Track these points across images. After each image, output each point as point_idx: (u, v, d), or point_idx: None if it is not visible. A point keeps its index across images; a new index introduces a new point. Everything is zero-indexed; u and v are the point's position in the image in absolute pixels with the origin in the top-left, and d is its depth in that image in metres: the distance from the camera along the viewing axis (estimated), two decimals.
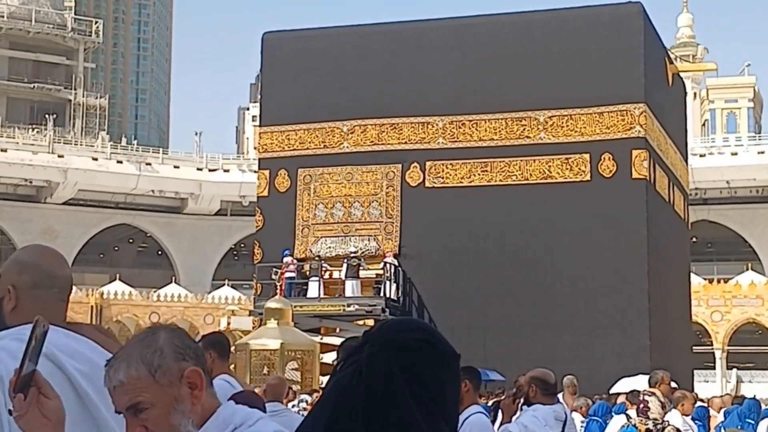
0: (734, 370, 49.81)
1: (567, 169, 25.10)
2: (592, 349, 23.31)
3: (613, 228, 24.31)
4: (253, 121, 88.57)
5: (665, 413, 7.27)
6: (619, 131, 24.89)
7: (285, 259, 25.38)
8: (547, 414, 6.29)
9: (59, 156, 64.98)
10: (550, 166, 25.24)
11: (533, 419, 6.32)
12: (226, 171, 68.03)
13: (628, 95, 24.89)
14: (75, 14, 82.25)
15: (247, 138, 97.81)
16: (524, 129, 25.63)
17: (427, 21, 27.96)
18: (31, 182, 64.69)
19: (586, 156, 24.95)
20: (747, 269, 52.69)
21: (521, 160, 25.49)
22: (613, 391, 20.12)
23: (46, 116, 72.48)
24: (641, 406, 7.10)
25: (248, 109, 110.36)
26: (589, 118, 25.12)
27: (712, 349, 47.16)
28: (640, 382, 22.31)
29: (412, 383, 1.34)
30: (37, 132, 71.38)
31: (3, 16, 76.73)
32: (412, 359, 1.32)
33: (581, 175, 24.94)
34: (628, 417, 8.01)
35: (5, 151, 63.75)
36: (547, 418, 6.25)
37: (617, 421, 9.14)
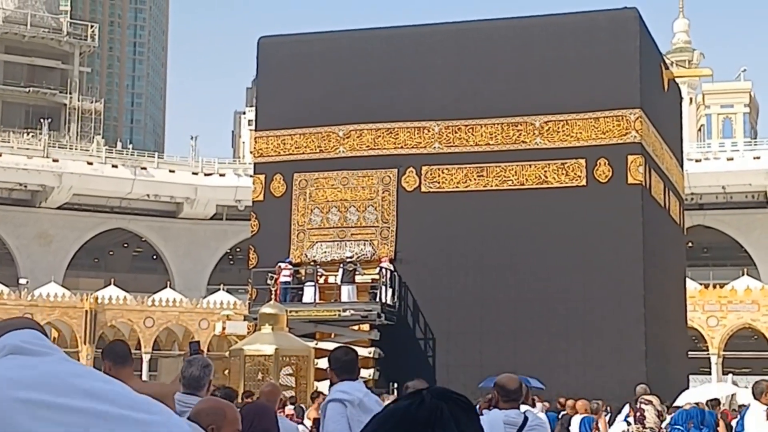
0: (730, 375, 49.79)
1: (563, 174, 25.08)
2: (587, 355, 23.28)
3: (609, 233, 24.29)
4: (249, 125, 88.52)
5: (661, 422, 7.28)
6: (614, 136, 24.87)
7: (279, 264, 25.30)
8: (495, 419, 6.39)
9: (54, 160, 64.86)
10: (545, 172, 25.21)
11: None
12: (222, 175, 67.95)
13: (623, 101, 24.88)
14: (70, 18, 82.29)
15: (243, 142, 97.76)
16: (520, 134, 25.60)
17: (424, 26, 27.95)
18: (26, 186, 64.55)
19: (582, 161, 24.93)
20: (743, 274, 52.68)
21: (517, 165, 25.46)
22: (679, 402, 20.12)
23: (41, 120, 72.44)
24: (638, 414, 7.10)
25: (244, 113, 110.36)
26: (585, 124, 25.10)
27: (708, 354, 47.14)
28: (708, 392, 22.36)
29: (456, 428, 1.65)
30: (32, 136, 71.32)
31: None
32: (458, 411, 1.65)
33: (577, 180, 24.92)
34: (628, 423, 8.02)
35: (0, 155, 63.65)
36: (494, 423, 6.32)
37: (617, 428, 9.16)
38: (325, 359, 21.29)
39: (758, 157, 60.48)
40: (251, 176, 31.61)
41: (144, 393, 2.38)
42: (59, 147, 69.63)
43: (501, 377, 6.56)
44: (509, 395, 6.42)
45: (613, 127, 24.93)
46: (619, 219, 24.35)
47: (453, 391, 1.74)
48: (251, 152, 53.50)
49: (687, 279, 34.62)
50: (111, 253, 71.04)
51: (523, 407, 6.69)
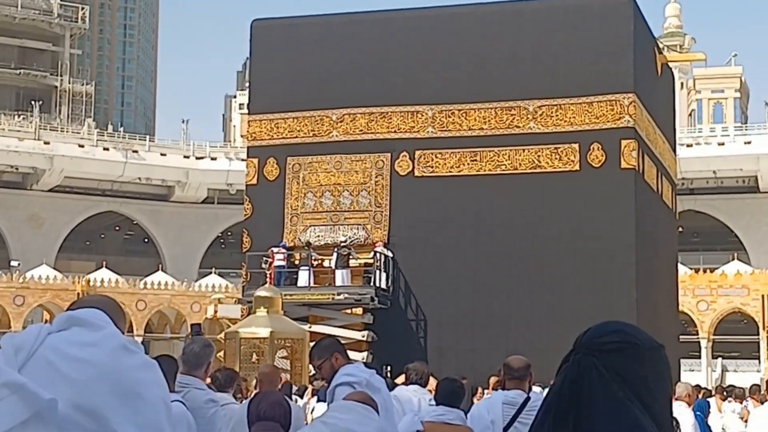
0: (719, 359, 50.09)
1: (556, 158, 25.13)
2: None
3: (602, 218, 24.37)
4: (240, 109, 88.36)
5: None
6: (608, 121, 24.92)
7: (272, 248, 25.32)
8: (495, 399, 6.53)
9: (45, 143, 64.72)
10: (539, 156, 25.26)
11: (478, 405, 6.81)
12: (213, 159, 67.92)
13: (617, 85, 24.90)
14: (61, 0, 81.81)
15: (234, 126, 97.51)
16: (513, 118, 25.63)
17: (418, 9, 27.92)
18: (17, 169, 64.42)
19: (575, 146, 24.97)
20: (733, 259, 52.95)
21: (510, 150, 25.50)
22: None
23: (32, 102, 72.21)
24: None
25: (235, 97, 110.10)
26: (578, 108, 25.14)
27: (698, 338, 47.40)
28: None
29: (617, 382, 1.46)
30: (23, 118, 71.10)
31: None
32: (612, 360, 1.44)
33: (570, 164, 24.97)
34: None
35: None
36: (492, 405, 6.46)
37: None
38: None
39: (749, 142, 60.68)
40: (243, 160, 31.65)
41: None
42: (50, 129, 69.45)
43: (509, 357, 6.67)
44: (512, 373, 6.52)
45: (607, 111, 24.97)
46: (612, 204, 24.43)
47: (608, 327, 1.56)
48: (243, 136, 53.36)
49: (678, 264, 34.76)
50: (102, 236, 70.98)
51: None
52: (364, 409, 4.31)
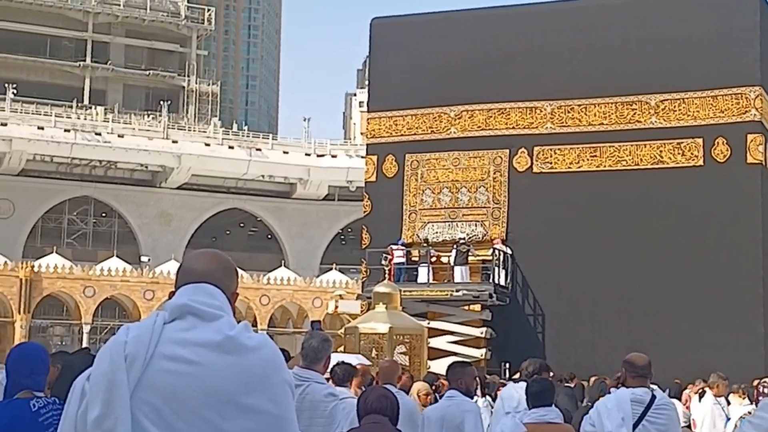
0: None
1: (679, 154, 24.63)
2: (703, 337, 22.86)
3: (727, 214, 23.76)
4: (360, 106, 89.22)
5: None
6: (733, 115, 24.27)
7: (391, 246, 25.57)
8: (621, 397, 6.42)
9: (173, 141, 66.80)
10: (661, 151, 24.80)
11: (605, 401, 6.58)
12: (334, 156, 68.84)
13: (743, 78, 24.22)
14: (188, 2, 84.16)
15: (354, 123, 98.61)
16: (635, 113, 25.24)
17: (535, 4, 27.72)
18: (146, 167, 66.65)
19: (699, 140, 24.42)
20: None
21: (631, 145, 25.11)
22: None
23: (161, 103, 74.48)
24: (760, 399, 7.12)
25: (355, 95, 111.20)
26: (702, 102, 24.57)
27: None
28: None
29: None
30: (152, 118, 73.44)
31: (120, 5, 79.02)
32: None
33: (694, 160, 24.44)
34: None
35: (122, 137, 65.84)
36: (620, 401, 6.37)
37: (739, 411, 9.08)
38: (438, 339, 21.34)
39: None
40: (363, 157, 32.05)
41: None
42: (178, 129, 71.58)
43: (629, 355, 6.58)
44: (636, 371, 6.44)
45: (732, 105, 24.33)
46: (737, 200, 23.80)
47: None
48: (363, 133, 53.99)
49: None
50: (228, 232, 72.73)
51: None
52: None
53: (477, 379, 8.94)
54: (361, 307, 26.62)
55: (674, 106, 24.84)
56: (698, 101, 24.61)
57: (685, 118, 24.69)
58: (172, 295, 2.70)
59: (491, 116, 26.58)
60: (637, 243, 24.24)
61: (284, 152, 68.91)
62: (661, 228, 24.15)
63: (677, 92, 24.81)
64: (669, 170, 24.55)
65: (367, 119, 29.16)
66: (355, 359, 11.30)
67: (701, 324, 23.08)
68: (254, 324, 52.41)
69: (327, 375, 7.55)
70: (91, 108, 73.43)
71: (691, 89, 24.66)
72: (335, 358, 6.49)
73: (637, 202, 24.52)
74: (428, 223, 26.46)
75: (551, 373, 8.94)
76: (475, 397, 12.78)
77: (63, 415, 2.57)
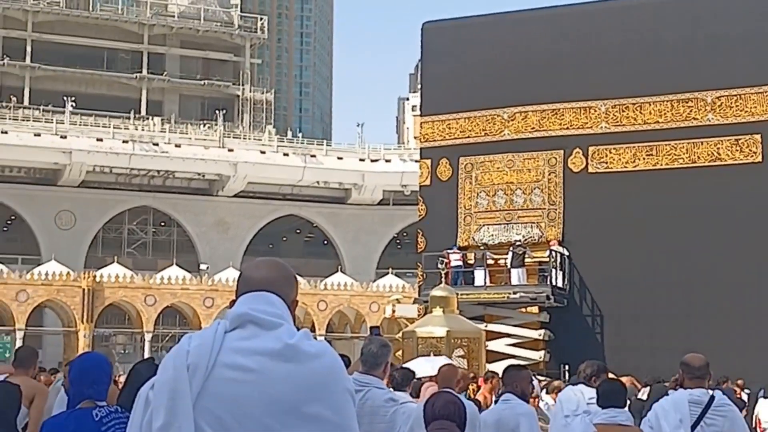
0: None
1: (737, 150, 24.30)
2: (763, 338, 22.50)
3: None
4: (412, 111, 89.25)
5: None
6: None
7: (447, 251, 25.56)
8: (679, 398, 6.38)
9: (229, 150, 67.47)
10: (718, 148, 24.49)
11: (663, 403, 6.52)
12: (388, 161, 68.97)
13: None
14: (241, 12, 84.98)
15: (407, 128, 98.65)
16: (691, 110, 24.96)
17: (587, 4, 27.56)
18: (203, 176, 67.39)
19: (757, 137, 24.07)
20: None
21: (688, 143, 24.83)
22: None
23: (216, 112, 75.22)
24: None
25: (408, 99, 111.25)
26: (759, 98, 24.22)
27: None
28: None
29: None
30: (208, 127, 74.24)
31: (174, 16, 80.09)
32: None
33: (752, 156, 24.09)
34: None
35: (179, 146, 66.68)
36: (678, 402, 6.32)
37: None
38: (496, 341, 21.36)
39: None
40: (417, 161, 32.07)
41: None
42: (233, 137, 72.29)
43: (686, 356, 6.54)
44: (693, 372, 6.40)
45: None
46: None
47: None
48: (416, 137, 53.97)
49: None
50: (284, 238, 73.17)
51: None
52: None
53: (534, 380, 8.95)
54: (418, 311, 26.66)
55: (731, 102, 24.53)
56: (755, 96, 24.27)
57: (742, 114, 24.37)
58: (232, 303, 2.72)
59: (545, 117, 26.47)
60: (694, 241, 23.96)
61: (338, 158, 69.26)
62: (719, 227, 23.83)
63: (734, 88, 24.50)
64: (727, 167, 24.24)
65: (421, 123, 29.20)
66: (444, 360, 11.34)
67: (759, 324, 22.71)
68: (312, 330, 52.71)
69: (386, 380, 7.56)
70: (148, 119, 74.50)
71: (748, 85, 24.32)
72: (423, 361, 6.58)
73: (695, 200, 24.24)
74: (483, 225, 26.43)
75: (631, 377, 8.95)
76: (541, 396, 12.79)
77: (129, 423, 2.63)
